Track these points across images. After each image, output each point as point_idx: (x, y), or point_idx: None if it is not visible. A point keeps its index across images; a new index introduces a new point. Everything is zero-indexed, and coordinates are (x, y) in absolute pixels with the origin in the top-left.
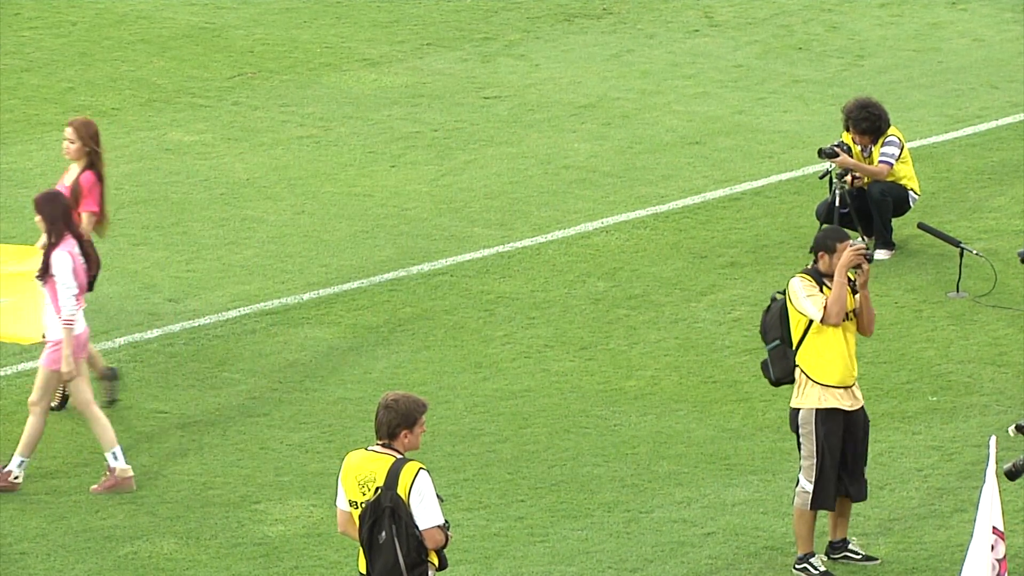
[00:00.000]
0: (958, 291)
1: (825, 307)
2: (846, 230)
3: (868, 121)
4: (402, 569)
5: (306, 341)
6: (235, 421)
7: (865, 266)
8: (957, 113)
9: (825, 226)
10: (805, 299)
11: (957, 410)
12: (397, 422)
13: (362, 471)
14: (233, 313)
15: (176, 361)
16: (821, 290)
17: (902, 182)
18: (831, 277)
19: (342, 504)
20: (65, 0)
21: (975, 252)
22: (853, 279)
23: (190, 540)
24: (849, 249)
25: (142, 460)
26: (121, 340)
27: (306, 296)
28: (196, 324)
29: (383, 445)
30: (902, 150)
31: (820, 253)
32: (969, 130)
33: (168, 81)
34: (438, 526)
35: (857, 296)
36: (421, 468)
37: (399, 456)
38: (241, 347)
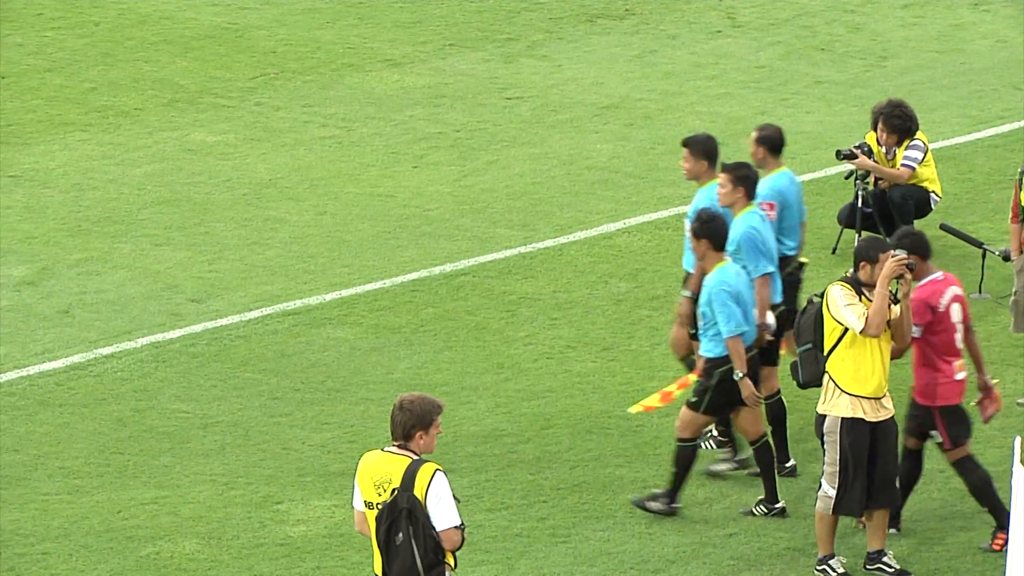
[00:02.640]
0: (980, 292)
1: (867, 318)
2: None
3: (900, 119)
4: (419, 570)
5: (328, 341)
6: (257, 421)
7: (907, 276)
8: (980, 114)
9: (867, 235)
10: (845, 308)
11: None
12: (412, 423)
13: (378, 472)
14: (255, 313)
15: (198, 361)
16: (860, 299)
17: (924, 184)
18: (870, 287)
19: (358, 505)
20: (88, 0)
21: (997, 253)
22: (894, 290)
23: (212, 540)
24: (891, 260)
25: (164, 460)
26: (143, 340)
27: (328, 296)
28: (218, 324)
29: (399, 446)
30: (925, 154)
31: (862, 263)
32: (991, 131)
33: (191, 81)
34: (455, 527)
35: (896, 307)
36: (438, 469)
37: (415, 457)
38: (263, 347)
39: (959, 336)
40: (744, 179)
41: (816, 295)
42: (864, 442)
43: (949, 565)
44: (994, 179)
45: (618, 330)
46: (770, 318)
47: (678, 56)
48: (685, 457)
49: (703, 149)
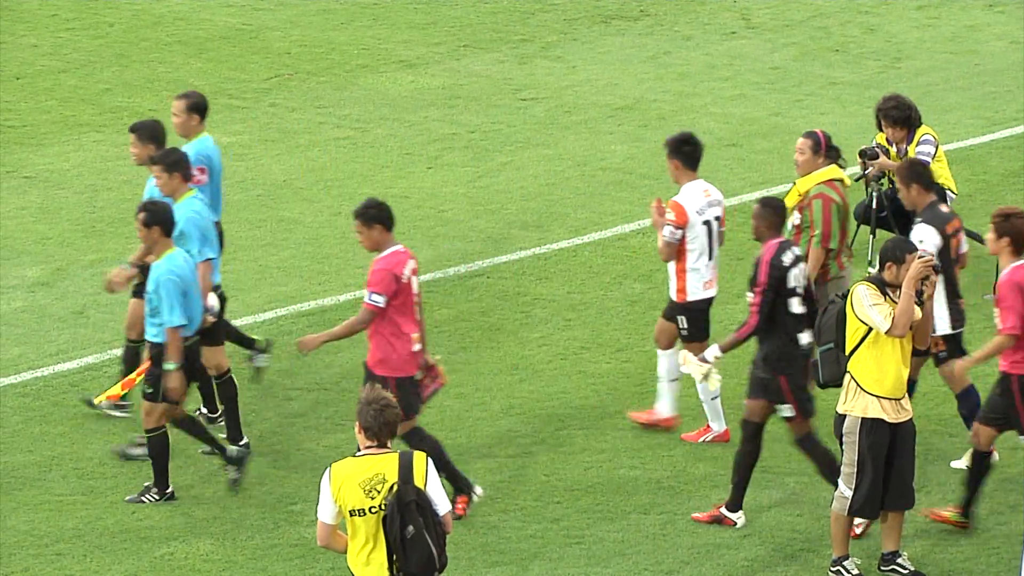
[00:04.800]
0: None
1: (893, 318)
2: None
3: (898, 110)
4: (435, 558)
5: (343, 343)
6: (271, 422)
7: (933, 277)
8: (994, 115)
9: (893, 236)
10: (871, 307)
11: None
12: (399, 419)
13: (364, 475)
14: (270, 315)
15: None
16: (885, 299)
17: (938, 181)
18: (895, 287)
19: (329, 517)
20: (102, 1)
21: None
22: (919, 291)
23: (226, 541)
24: (918, 261)
25: (178, 461)
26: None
27: (343, 297)
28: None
29: (377, 445)
30: (936, 148)
31: (888, 263)
32: (1006, 132)
33: (205, 82)
34: (448, 511)
35: (920, 307)
36: (427, 455)
37: (399, 450)
38: (278, 348)
39: (416, 308)
40: (175, 164)
41: (838, 294)
42: (884, 443)
43: (963, 567)
44: (1008, 180)
45: (632, 331)
46: (213, 300)
47: (692, 57)
48: (157, 446)
49: (150, 134)
